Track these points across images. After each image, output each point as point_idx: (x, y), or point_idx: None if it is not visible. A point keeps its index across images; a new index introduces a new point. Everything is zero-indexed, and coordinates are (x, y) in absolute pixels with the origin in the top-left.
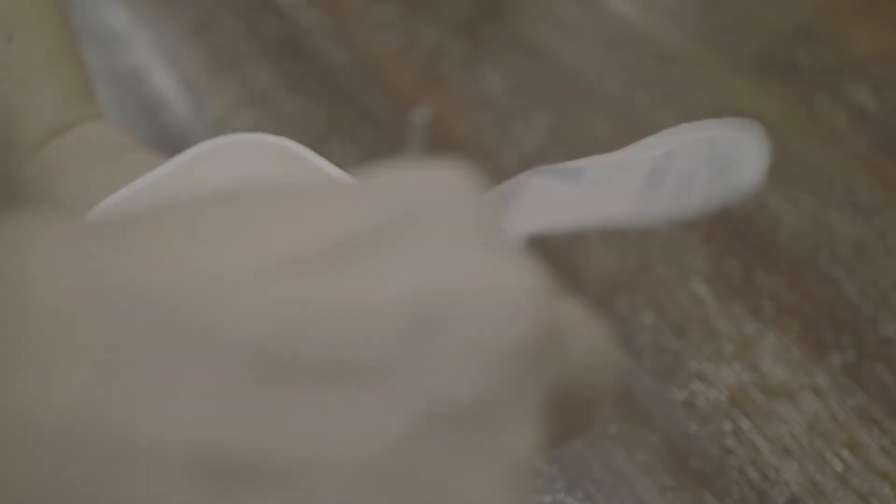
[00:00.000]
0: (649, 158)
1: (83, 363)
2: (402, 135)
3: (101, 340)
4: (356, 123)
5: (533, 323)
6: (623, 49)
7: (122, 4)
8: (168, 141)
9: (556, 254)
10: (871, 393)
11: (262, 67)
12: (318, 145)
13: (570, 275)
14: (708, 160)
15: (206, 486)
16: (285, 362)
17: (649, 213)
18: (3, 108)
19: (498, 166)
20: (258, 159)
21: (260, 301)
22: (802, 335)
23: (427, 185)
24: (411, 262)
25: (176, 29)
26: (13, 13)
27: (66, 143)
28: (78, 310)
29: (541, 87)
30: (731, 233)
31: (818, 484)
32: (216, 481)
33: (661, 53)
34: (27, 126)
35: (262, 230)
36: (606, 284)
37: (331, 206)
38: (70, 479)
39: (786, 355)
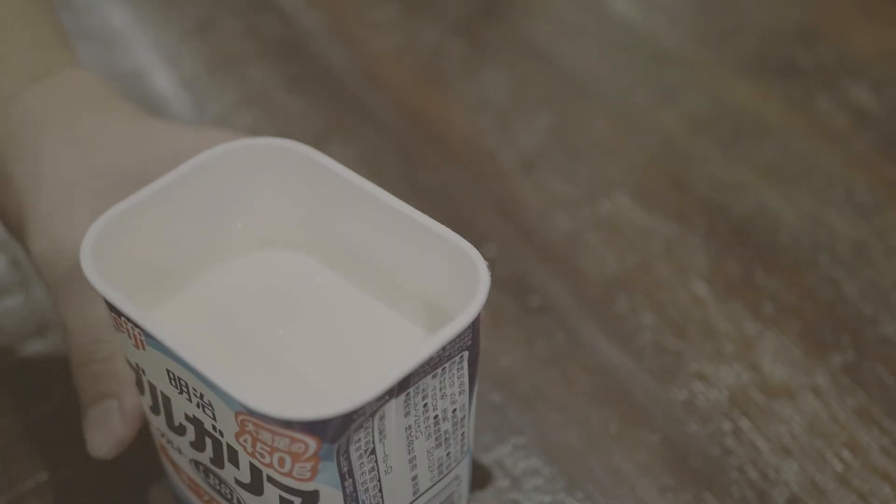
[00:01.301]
0: None
1: None
2: (402, 135)
3: None
4: (356, 123)
5: None
6: (623, 49)
7: (122, 4)
8: None
9: (557, 254)
10: (871, 393)
11: (262, 67)
12: (318, 145)
13: (570, 275)
14: None
15: None
16: None
17: None
18: None
19: (498, 166)
20: (269, 162)
21: None
22: (802, 335)
23: None
24: None
25: (176, 29)
26: None
27: (47, 90)
28: None
29: (541, 87)
30: (731, 233)
31: (818, 484)
32: None
33: (661, 53)
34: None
35: None
36: (606, 284)
37: None
38: None
39: (786, 355)
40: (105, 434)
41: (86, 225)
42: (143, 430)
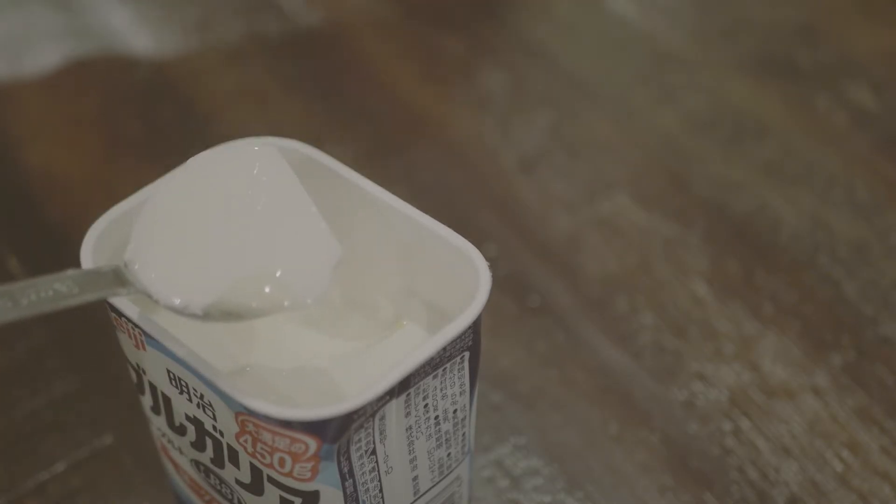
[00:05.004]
0: None
1: None
2: (402, 135)
3: None
4: (356, 123)
5: None
6: (623, 49)
7: (122, 4)
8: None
9: (556, 254)
10: (871, 393)
11: (262, 67)
12: (317, 144)
13: (569, 275)
14: None
15: None
16: None
17: None
18: None
19: (498, 166)
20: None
21: None
22: (802, 335)
23: None
24: None
25: (176, 28)
26: None
27: None
28: None
29: (541, 87)
30: (731, 233)
31: (818, 484)
32: None
33: (661, 53)
34: None
35: None
36: (606, 284)
37: None
38: None
39: (786, 355)
40: None
41: None
42: (144, 430)
